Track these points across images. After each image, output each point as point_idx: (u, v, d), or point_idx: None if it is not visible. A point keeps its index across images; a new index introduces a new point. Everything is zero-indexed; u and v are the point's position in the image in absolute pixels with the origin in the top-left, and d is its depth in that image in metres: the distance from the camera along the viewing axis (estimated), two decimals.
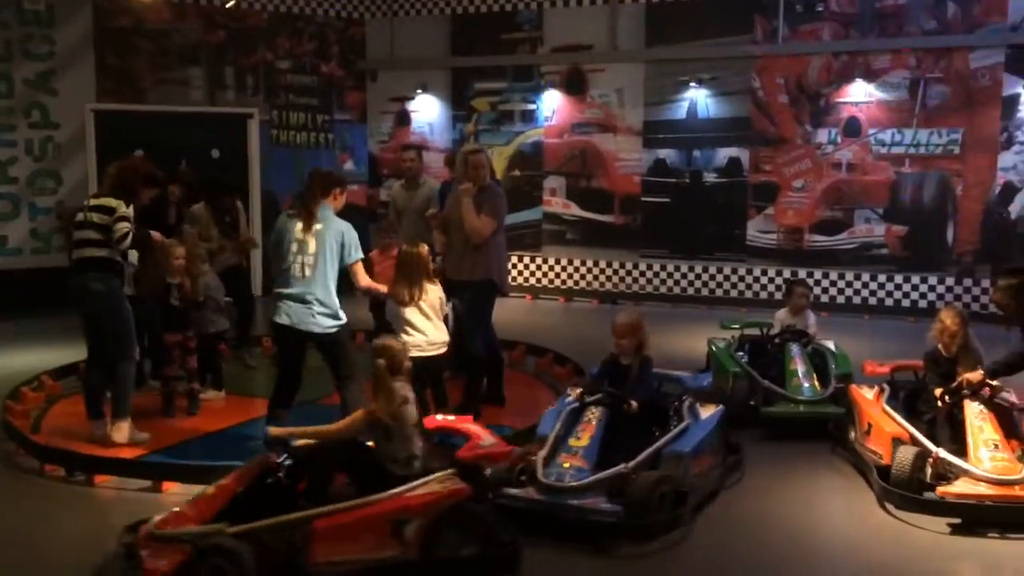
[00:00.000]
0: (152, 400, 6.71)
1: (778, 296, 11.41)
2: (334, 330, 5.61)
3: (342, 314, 5.68)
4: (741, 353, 7.09)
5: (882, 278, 11.15)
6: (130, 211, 5.90)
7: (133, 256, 6.24)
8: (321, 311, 5.55)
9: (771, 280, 11.63)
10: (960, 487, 4.72)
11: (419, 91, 13.12)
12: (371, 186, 13.51)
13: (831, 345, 7.13)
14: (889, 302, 11.13)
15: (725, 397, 6.45)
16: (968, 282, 10.81)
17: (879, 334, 10.19)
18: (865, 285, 11.23)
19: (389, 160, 13.27)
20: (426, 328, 5.91)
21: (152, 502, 5.16)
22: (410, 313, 5.88)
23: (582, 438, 5.00)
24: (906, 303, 11.05)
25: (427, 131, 13.17)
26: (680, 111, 11.90)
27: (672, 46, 11.85)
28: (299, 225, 5.56)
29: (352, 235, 5.66)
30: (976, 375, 5.34)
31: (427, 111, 13.19)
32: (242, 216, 8.49)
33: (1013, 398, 5.47)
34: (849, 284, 11.29)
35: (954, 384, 5.35)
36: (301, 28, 12.75)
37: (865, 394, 5.90)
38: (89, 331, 6.08)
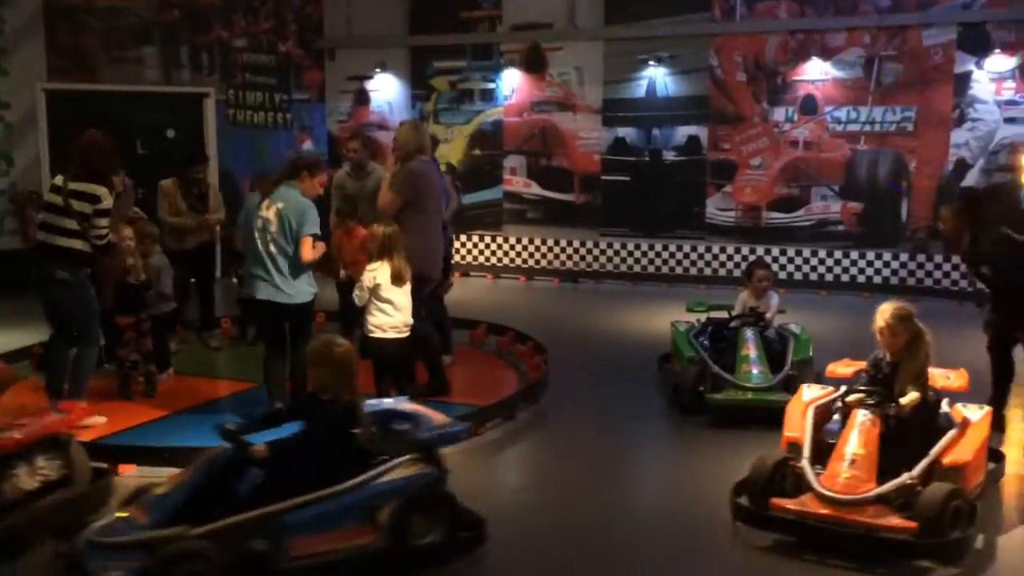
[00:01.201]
0: (108, 383, 6.63)
1: (737, 273, 11.55)
2: (303, 301, 5.87)
3: (310, 288, 5.91)
4: (703, 338, 6.87)
5: (838, 254, 11.31)
6: (111, 201, 5.83)
7: None
8: (287, 285, 5.77)
9: (730, 257, 11.74)
10: (795, 502, 4.27)
11: (378, 70, 13.03)
12: (331, 166, 13.34)
13: (796, 328, 6.94)
14: (845, 278, 11.29)
15: (675, 383, 6.48)
16: (921, 258, 10.99)
17: (835, 310, 10.34)
18: (822, 261, 11.37)
19: (348, 140, 13.14)
20: (405, 309, 5.91)
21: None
22: (397, 293, 5.86)
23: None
24: (861, 279, 11.22)
25: (386, 110, 13.09)
26: (639, 89, 11.93)
27: (631, 24, 11.86)
28: (261, 202, 5.81)
29: (310, 213, 5.79)
30: (909, 401, 4.50)
31: (386, 90, 13.10)
32: (212, 189, 8.29)
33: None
34: (806, 260, 11.42)
35: (872, 401, 4.58)
36: (257, 6, 12.59)
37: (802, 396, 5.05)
38: (51, 315, 6.00)
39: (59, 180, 5.89)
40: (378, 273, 5.81)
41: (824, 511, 4.18)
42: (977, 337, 6.29)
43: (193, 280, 8.02)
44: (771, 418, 5.75)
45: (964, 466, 4.33)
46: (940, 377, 4.98)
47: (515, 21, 12.41)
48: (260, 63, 12.68)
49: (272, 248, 5.74)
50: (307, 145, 13.26)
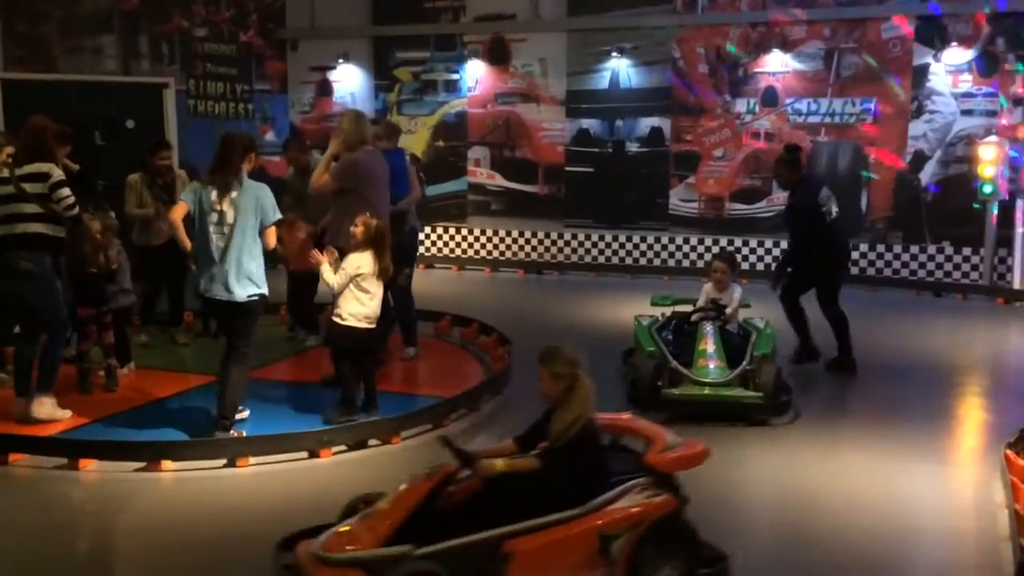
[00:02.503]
0: (69, 376, 6.55)
1: (700, 264, 11.65)
2: (252, 299, 5.50)
3: (263, 285, 5.57)
4: (666, 332, 6.76)
5: None
6: (61, 173, 5.72)
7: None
8: (239, 280, 5.42)
9: (693, 248, 11.83)
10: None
11: (341, 60, 12.95)
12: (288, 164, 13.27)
13: (760, 323, 6.84)
14: None
15: (634, 377, 6.47)
16: (881, 248, 11.14)
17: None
18: (784, 252, 11.48)
19: (311, 131, 13.08)
20: (378, 301, 5.85)
21: (70, 480, 5.08)
22: (375, 284, 5.80)
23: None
24: None
25: (349, 101, 13.00)
26: (602, 81, 11.97)
27: (594, 16, 11.90)
28: (214, 194, 5.41)
29: (269, 198, 5.53)
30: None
31: (349, 81, 13.03)
32: (179, 179, 7.95)
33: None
34: (768, 251, 11.54)
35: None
36: None
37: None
38: (16, 309, 5.91)
39: (4, 172, 5.76)
40: (363, 263, 5.75)
41: (704, 392, 6.06)
42: (933, 325, 6.43)
43: (164, 274, 7.88)
44: (730, 414, 5.98)
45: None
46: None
47: (479, 12, 12.39)
48: (221, 53, 12.55)
49: (226, 242, 5.37)
50: (268, 136, 13.15)
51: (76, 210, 5.74)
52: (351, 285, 5.74)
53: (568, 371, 3.84)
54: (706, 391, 6.09)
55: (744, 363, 6.21)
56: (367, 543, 3.41)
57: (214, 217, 5.39)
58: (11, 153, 5.96)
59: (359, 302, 5.76)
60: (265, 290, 5.56)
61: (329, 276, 5.78)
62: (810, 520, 4.57)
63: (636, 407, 6.03)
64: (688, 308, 7.04)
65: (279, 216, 5.62)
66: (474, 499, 3.73)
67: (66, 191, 5.69)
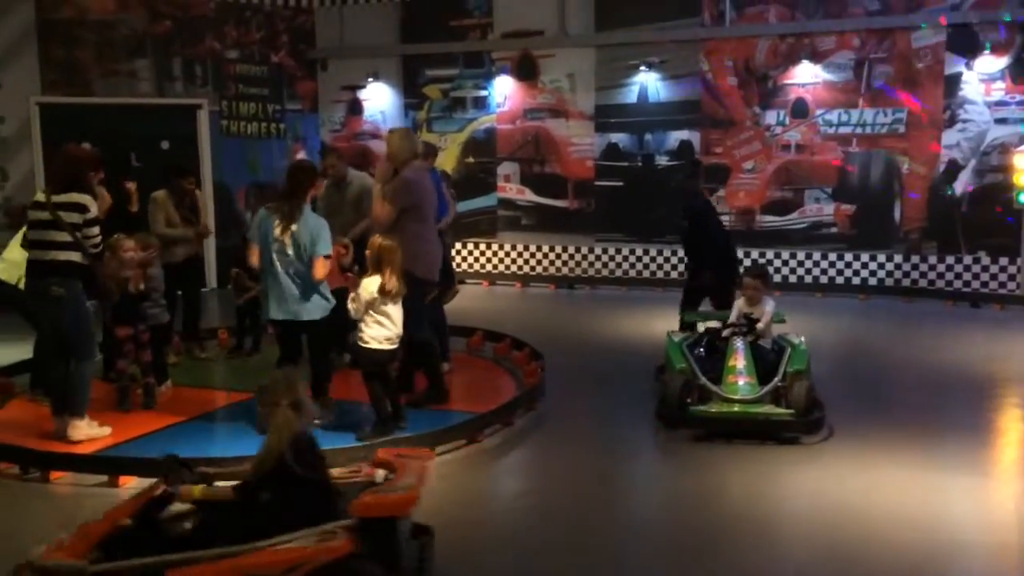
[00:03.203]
0: (107, 395, 6.64)
1: None
2: (320, 316, 5.96)
3: (329, 300, 5.98)
4: (699, 348, 6.68)
5: (832, 256, 11.35)
6: (96, 209, 5.86)
7: None
8: (306, 303, 5.86)
9: None
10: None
11: (370, 79, 13.07)
12: (324, 176, 13.39)
13: (795, 339, 6.64)
14: (840, 280, 11.33)
15: (662, 395, 6.33)
16: (916, 259, 11.03)
17: (831, 312, 10.39)
18: (816, 264, 11.42)
19: (342, 149, 13.16)
20: (398, 321, 5.86)
21: (110, 497, 5.12)
22: (392, 306, 5.81)
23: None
24: (856, 280, 11.27)
25: (379, 119, 13.12)
26: (631, 95, 11.98)
27: (621, 30, 11.92)
28: (278, 225, 5.81)
29: (323, 232, 5.87)
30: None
31: (379, 99, 13.14)
32: (201, 201, 8.32)
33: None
34: (800, 263, 11.47)
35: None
36: (249, 17, 12.62)
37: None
38: (49, 331, 6.02)
39: (41, 196, 5.93)
40: (374, 286, 5.75)
41: (733, 409, 5.90)
42: (970, 336, 6.36)
43: (180, 292, 8.02)
44: (759, 431, 5.85)
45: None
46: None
47: (506, 29, 12.46)
48: (252, 74, 12.71)
49: (290, 269, 5.82)
50: (300, 155, 13.26)
51: (100, 249, 5.91)
52: (367, 310, 5.78)
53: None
54: (735, 408, 5.92)
55: (776, 379, 6.04)
56: (72, 553, 3.39)
57: (276, 246, 5.82)
58: None
59: (380, 325, 5.78)
60: (331, 305, 5.99)
61: (351, 304, 5.87)
62: (849, 537, 4.51)
63: (664, 424, 6.10)
64: (719, 324, 6.94)
65: (329, 251, 5.88)
66: (201, 524, 3.71)
67: (96, 230, 5.82)
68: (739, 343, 6.30)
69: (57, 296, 5.75)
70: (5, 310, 7.00)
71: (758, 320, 6.63)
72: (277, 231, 5.81)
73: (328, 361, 6.43)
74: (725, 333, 6.52)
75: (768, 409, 5.90)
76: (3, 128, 10.80)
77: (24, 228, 6.25)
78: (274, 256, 5.82)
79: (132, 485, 5.21)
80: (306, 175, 5.95)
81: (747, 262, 11.59)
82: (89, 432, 5.88)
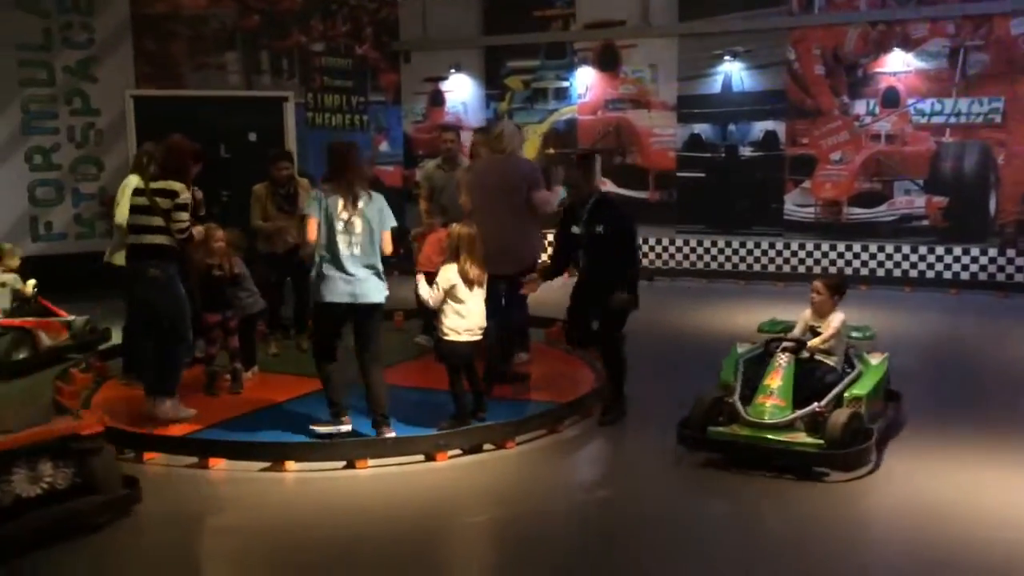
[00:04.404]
0: (196, 379, 6.83)
1: (816, 270, 11.37)
2: (380, 302, 5.66)
3: (386, 287, 5.72)
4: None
5: (923, 250, 11.03)
6: (188, 196, 6.04)
7: None
8: (370, 284, 5.58)
9: (809, 255, 11.54)
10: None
11: (452, 71, 13.14)
12: (406, 167, 13.58)
13: (874, 358, 5.91)
14: (930, 274, 11.00)
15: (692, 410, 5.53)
16: (1011, 253, 10.65)
17: (920, 307, 10.11)
18: (905, 257, 11.11)
19: (424, 140, 13.32)
20: (478, 312, 5.82)
21: (200, 478, 5.29)
22: (470, 295, 5.76)
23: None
24: (948, 275, 10.92)
25: (461, 110, 13.19)
26: (715, 85, 11.81)
27: (705, 19, 11.75)
28: (340, 203, 5.54)
29: (386, 206, 5.71)
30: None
31: (461, 90, 13.21)
32: (300, 188, 8.07)
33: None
34: (889, 256, 11.17)
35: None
36: (334, 10, 12.81)
37: None
38: (145, 314, 6.22)
39: (139, 183, 6.26)
40: (452, 274, 5.75)
41: (746, 433, 5.22)
42: None
43: (289, 279, 8.10)
44: (780, 462, 5.13)
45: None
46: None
47: (588, 19, 12.39)
48: (337, 66, 12.90)
49: (356, 250, 5.53)
50: (383, 146, 13.45)
51: (186, 235, 6.02)
52: (447, 299, 5.74)
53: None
54: (748, 432, 5.21)
55: (818, 404, 5.22)
56: None
57: (340, 225, 5.52)
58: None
59: (458, 315, 5.73)
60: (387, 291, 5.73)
61: (424, 290, 5.83)
62: (937, 536, 4.39)
63: (684, 445, 5.42)
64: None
65: (393, 223, 5.72)
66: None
67: (185, 215, 5.98)
68: (782, 360, 5.49)
69: (153, 277, 5.95)
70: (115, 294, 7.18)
71: (802, 339, 5.73)
72: (340, 209, 5.50)
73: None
74: (773, 347, 5.64)
75: (791, 437, 5.14)
76: (99, 120, 11.17)
77: None
78: (338, 237, 5.49)
79: (221, 467, 5.37)
80: (357, 154, 5.79)
81: (831, 255, 11.38)
82: (176, 413, 6.07)
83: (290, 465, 5.32)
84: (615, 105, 12.37)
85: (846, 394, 5.37)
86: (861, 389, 5.43)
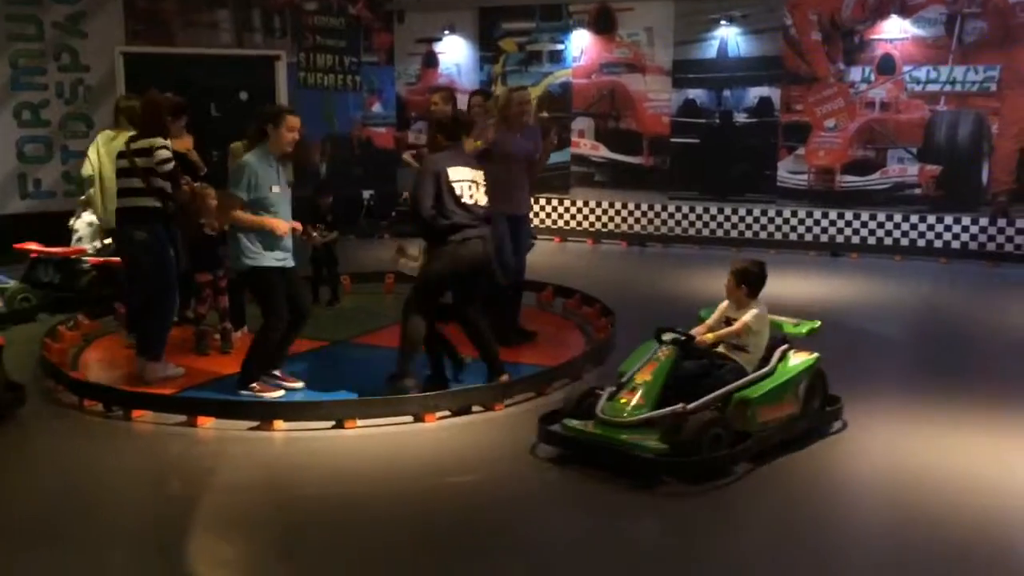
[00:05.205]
0: (185, 338, 6.82)
1: (808, 238, 11.38)
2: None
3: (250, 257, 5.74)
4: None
5: (915, 218, 11.02)
6: (167, 151, 5.99)
7: None
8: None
9: (801, 222, 11.53)
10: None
11: (446, 32, 13.02)
12: (398, 129, 13.49)
13: (797, 359, 5.16)
14: (921, 243, 11.01)
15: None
16: (1003, 223, 10.65)
17: (910, 275, 10.13)
18: (897, 226, 11.11)
19: (416, 102, 13.21)
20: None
21: (188, 436, 5.30)
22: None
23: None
24: (939, 244, 10.93)
25: (455, 72, 13.08)
26: (710, 50, 11.73)
27: None
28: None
29: (236, 174, 5.69)
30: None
31: (454, 52, 13.10)
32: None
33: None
34: (881, 225, 11.17)
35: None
36: None
37: None
38: (132, 275, 6.25)
39: (122, 145, 6.21)
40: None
41: (592, 430, 4.78)
42: None
43: None
44: (622, 463, 4.64)
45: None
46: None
47: None
48: (330, 26, 12.76)
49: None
50: (376, 107, 13.35)
51: (169, 167, 5.95)
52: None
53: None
54: (595, 429, 4.78)
55: (683, 404, 4.70)
56: None
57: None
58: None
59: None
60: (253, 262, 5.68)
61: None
62: (915, 503, 4.43)
63: (539, 438, 4.99)
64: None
65: (241, 193, 5.56)
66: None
67: (167, 167, 5.95)
68: (661, 353, 4.98)
69: (139, 240, 5.93)
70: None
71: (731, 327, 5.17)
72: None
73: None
74: (665, 337, 5.07)
75: (635, 438, 4.64)
76: (89, 77, 11.05)
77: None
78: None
79: (210, 425, 5.38)
80: (264, 119, 5.68)
81: (823, 223, 11.37)
82: (164, 372, 6.08)
83: (279, 424, 5.33)
84: (610, 69, 12.28)
85: (736, 396, 4.85)
86: (753, 392, 4.86)
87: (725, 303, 5.33)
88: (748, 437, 4.77)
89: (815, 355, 5.23)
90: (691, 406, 4.71)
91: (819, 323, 5.55)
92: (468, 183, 5.79)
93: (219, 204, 6.28)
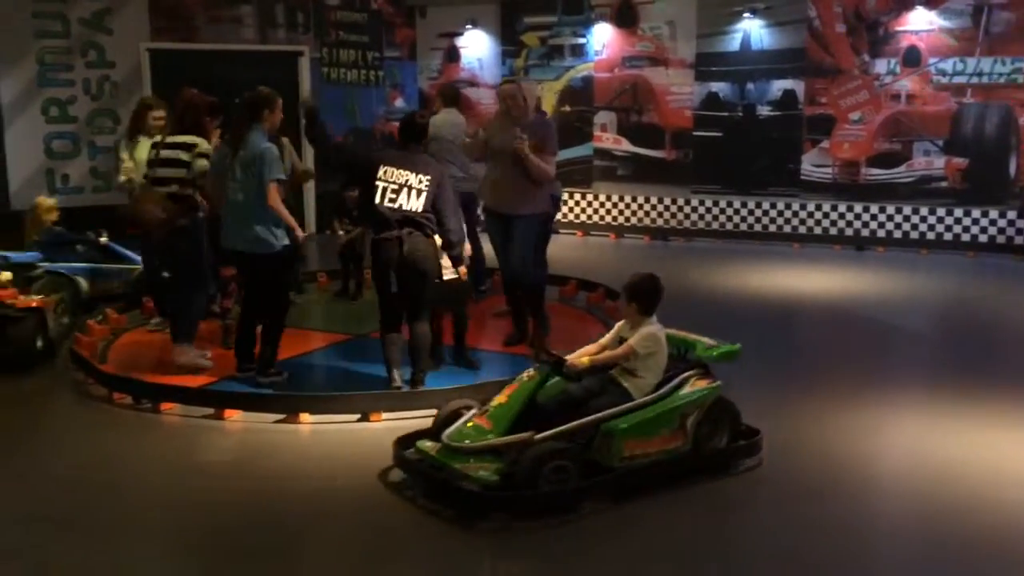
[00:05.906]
0: (212, 332, 6.87)
1: (833, 232, 11.32)
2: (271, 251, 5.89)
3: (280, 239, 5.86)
4: None
5: (941, 212, 10.94)
6: (207, 147, 6.15)
7: None
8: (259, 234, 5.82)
9: (825, 215, 11.47)
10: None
11: (468, 26, 13.02)
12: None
13: (688, 388, 4.62)
14: (948, 236, 10.92)
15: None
16: None
17: (936, 269, 10.05)
18: (923, 219, 11.02)
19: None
20: None
21: (215, 428, 5.35)
22: None
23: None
24: (966, 238, 10.84)
25: (476, 67, 13.09)
26: (733, 43, 11.67)
27: None
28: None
29: (268, 155, 5.76)
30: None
31: (476, 47, 13.10)
32: (287, 149, 7.85)
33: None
34: (907, 218, 11.09)
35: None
36: None
37: None
38: (168, 264, 6.40)
39: (158, 137, 6.37)
40: None
41: (430, 454, 4.38)
42: None
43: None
44: (451, 494, 4.23)
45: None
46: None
47: None
48: (353, 21, 12.79)
49: (240, 196, 5.70)
50: (398, 102, 13.37)
51: (199, 184, 6.15)
52: None
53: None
54: (438, 455, 4.35)
55: (535, 432, 4.28)
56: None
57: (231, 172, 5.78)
58: (159, 116, 6.62)
59: None
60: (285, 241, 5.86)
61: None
62: (946, 496, 4.41)
63: (394, 462, 4.64)
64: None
65: (279, 175, 5.74)
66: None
67: (203, 162, 6.10)
68: (525, 375, 4.60)
69: (181, 227, 6.10)
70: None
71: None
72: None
73: None
74: (540, 361, 4.67)
75: (470, 467, 4.20)
76: (114, 73, 11.14)
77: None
78: (229, 183, 5.77)
79: (236, 418, 5.42)
80: (262, 101, 5.85)
81: (848, 216, 11.30)
82: (194, 360, 6.18)
83: (305, 417, 5.37)
84: (632, 63, 12.25)
85: (603, 426, 4.39)
86: (622, 423, 4.38)
87: (622, 321, 4.83)
88: (611, 471, 4.33)
89: (716, 384, 4.68)
90: (539, 436, 4.24)
91: (738, 346, 4.88)
92: (397, 186, 5.48)
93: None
